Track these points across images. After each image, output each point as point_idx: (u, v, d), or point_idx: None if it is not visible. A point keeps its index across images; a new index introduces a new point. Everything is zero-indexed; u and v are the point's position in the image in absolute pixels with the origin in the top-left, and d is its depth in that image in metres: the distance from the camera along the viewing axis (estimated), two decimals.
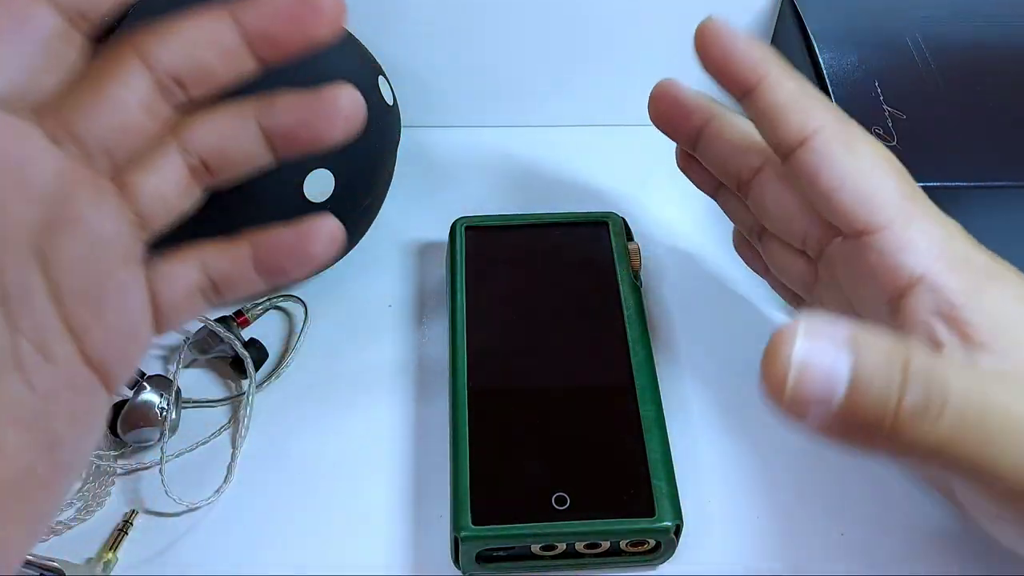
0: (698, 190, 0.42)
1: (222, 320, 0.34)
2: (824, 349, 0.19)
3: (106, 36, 0.31)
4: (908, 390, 0.19)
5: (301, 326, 0.36)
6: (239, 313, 0.35)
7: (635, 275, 0.34)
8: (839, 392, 0.19)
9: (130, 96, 0.21)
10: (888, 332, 0.20)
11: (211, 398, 0.34)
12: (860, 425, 0.19)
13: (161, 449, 0.31)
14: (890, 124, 0.33)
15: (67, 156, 0.21)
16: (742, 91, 0.26)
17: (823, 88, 0.35)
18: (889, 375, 0.19)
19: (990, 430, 0.20)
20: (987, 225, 0.33)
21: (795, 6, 0.38)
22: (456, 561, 0.28)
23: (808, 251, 0.28)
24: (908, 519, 0.30)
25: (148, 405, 0.31)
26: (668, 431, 0.30)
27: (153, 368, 0.34)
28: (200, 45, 0.22)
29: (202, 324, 0.34)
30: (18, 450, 0.20)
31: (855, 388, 0.19)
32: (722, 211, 0.32)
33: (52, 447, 0.21)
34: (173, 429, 0.32)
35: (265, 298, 0.36)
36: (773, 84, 0.25)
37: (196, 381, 0.34)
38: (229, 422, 0.33)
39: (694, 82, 0.44)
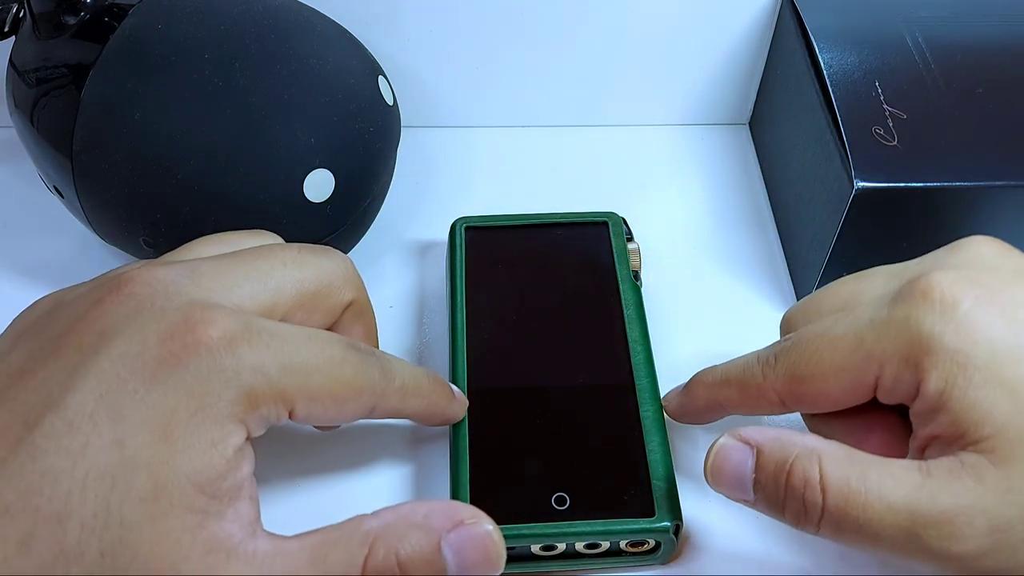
0: (698, 191, 0.43)
1: None
2: (736, 448, 0.24)
3: (106, 35, 0.31)
4: (787, 502, 0.23)
5: None
6: None
7: (635, 275, 0.34)
8: (749, 485, 0.24)
9: None
10: (789, 440, 0.23)
11: None
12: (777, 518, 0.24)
13: None
14: (890, 124, 0.33)
15: None
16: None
17: (823, 88, 0.35)
18: (776, 486, 0.23)
19: (874, 532, 0.22)
20: (987, 225, 0.33)
21: (795, 6, 0.38)
22: None
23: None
24: None
25: None
26: (668, 431, 0.30)
27: None
28: None
29: None
30: None
31: (756, 490, 0.24)
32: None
33: None
34: None
35: None
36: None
37: None
38: None
39: (696, 88, 0.44)
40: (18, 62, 0.33)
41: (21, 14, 0.33)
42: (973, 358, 0.22)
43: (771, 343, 0.27)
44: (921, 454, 0.23)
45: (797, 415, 0.29)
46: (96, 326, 0.22)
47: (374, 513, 0.23)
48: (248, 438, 0.22)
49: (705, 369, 0.29)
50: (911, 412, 0.24)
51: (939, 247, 0.34)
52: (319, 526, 0.23)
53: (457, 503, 0.23)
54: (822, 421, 0.27)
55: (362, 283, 0.29)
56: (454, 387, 0.30)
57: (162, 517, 0.20)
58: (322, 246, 0.28)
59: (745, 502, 0.25)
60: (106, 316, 0.22)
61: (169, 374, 0.21)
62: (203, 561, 0.20)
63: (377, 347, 0.30)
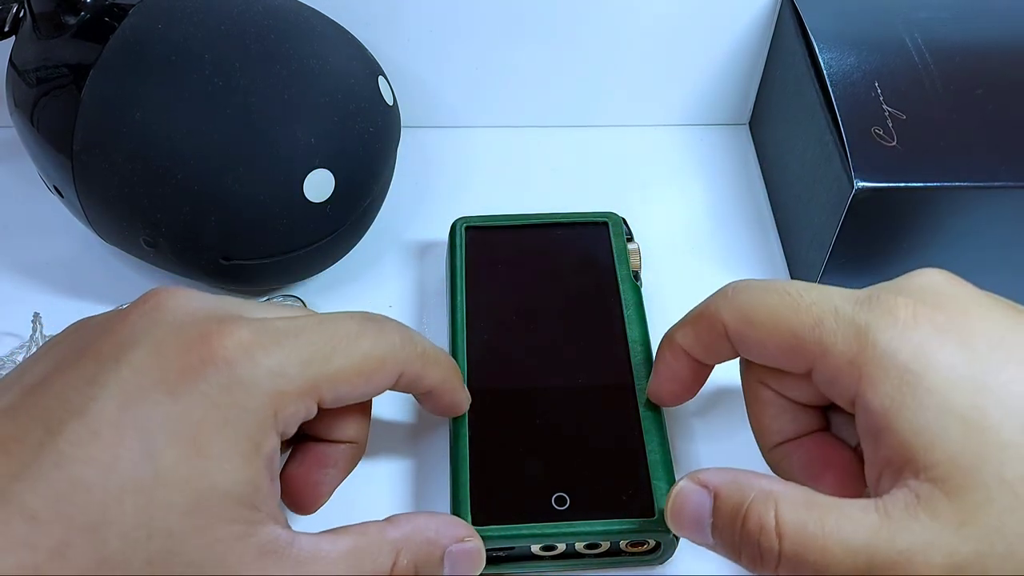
0: (698, 192, 0.43)
1: None
2: (694, 491, 0.24)
3: (106, 35, 0.31)
4: (743, 547, 0.23)
5: None
6: None
7: (635, 275, 0.34)
8: (708, 529, 0.24)
9: None
10: (746, 485, 0.23)
11: None
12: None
13: None
14: (890, 124, 0.33)
15: None
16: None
17: (823, 88, 0.35)
18: (732, 531, 0.23)
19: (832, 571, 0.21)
20: (987, 226, 0.33)
21: (795, 6, 0.39)
22: None
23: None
24: None
25: None
26: (668, 431, 0.30)
27: None
28: None
29: None
30: None
31: (714, 535, 0.24)
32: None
33: None
34: None
35: (264, 297, 0.36)
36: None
37: None
38: None
39: (696, 88, 0.44)
40: (18, 62, 0.33)
41: (21, 14, 0.33)
42: (925, 380, 0.22)
43: None
44: (877, 485, 0.23)
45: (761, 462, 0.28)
46: (117, 337, 0.22)
47: (391, 522, 0.25)
48: (280, 441, 0.23)
49: None
50: (858, 430, 0.24)
51: (938, 248, 0.34)
52: (318, 524, 0.24)
53: (458, 521, 0.26)
54: (780, 453, 0.27)
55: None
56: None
57: (208, 528, 0.21)
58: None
59: (707, 546, 0.24)
60: (128, 328, 0.23)
61: (191, 386, 0.21)
62: (259, 564, 0.21)
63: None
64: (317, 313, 0.25)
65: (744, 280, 0.27)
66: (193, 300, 0.24)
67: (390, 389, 0.26)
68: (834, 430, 0.27)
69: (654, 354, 0.32)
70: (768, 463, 0.28)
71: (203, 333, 0.22)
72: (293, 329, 0.24)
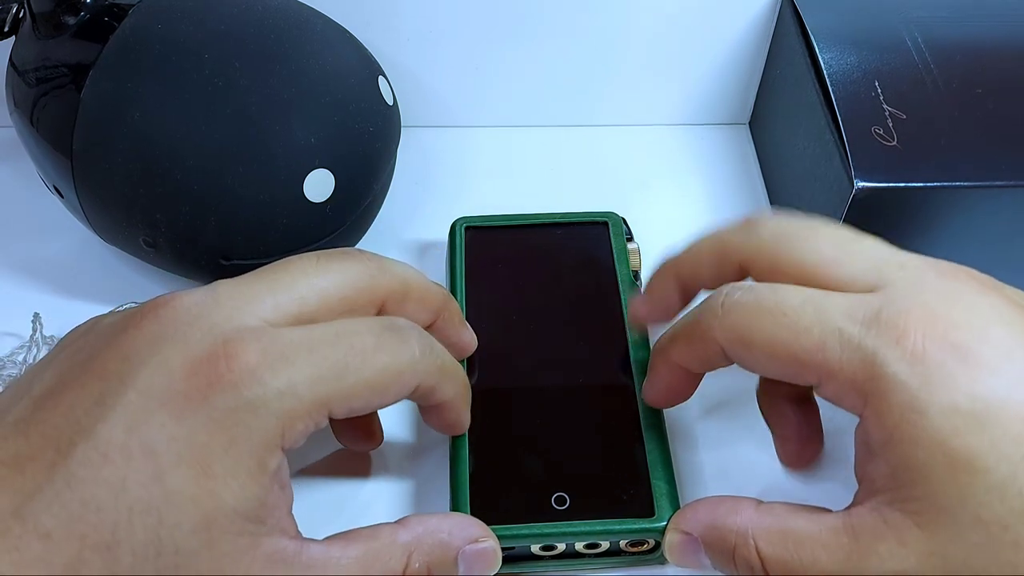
0: (698, 191, 0.43)
1: None
2: (686, 541, 0.26)
3: (106, 35, 0.31)
4: None
5: None
6: None
7: (635, 275, 0.34)
8: (708, 564, 0.26)
9: None
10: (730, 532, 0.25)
11: None
12: None
13: None
14: (890, 124, 0.33)
15: None
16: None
17: (823, 88, 0.35)
18: (726, 567, 0.25)
19: None
20: (987, 225, 0.33)
21: (795, 6, 0.39)
22: None
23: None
24: None
25: None
26: (668, 431, 0.30)
27: None
28: None
29: None
30: None
31: (714, 566, 0.26)
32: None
33: None
34: None
35: None
36: None
37: None
38: None
39: (696, 88, 0.44)
40: (18, 62, 0.33)
41: (21, 14, 0.33)
42: (926, 418, 0.22)
43: (722, 288, 0.26)
44: (859, 482, 0.25)
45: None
46: (120, 351, 0.22)
47: (403, 524, 0.25)
48: (284, 452, 0.23)
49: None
50: (856, 436, 0.25)
51: (939, 247, 0.34)
52: (318, 524, 0.24)
53: (472, 521, 0.27)
54: (764, 400, 0.30)
55: (396, 271, 0.27)
56: None
57: (216, 543, 0.21)
58: (345, 249, 0.27)
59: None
60: (130, 342, 0.23)
61: (196, 409, 0.21)
62: (267, 571, 0.22)
63: (451, 317, 0.30)
64: (335, 322, 0.24)
65: (733, 291, 0.26)
66: (190, 306, 0.23)
67: (408, 399, 0.26)
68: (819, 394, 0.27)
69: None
70: (757, 396, 0.31)
71: (209, 354, 0.22)
72: (306, 343, 0.23)
